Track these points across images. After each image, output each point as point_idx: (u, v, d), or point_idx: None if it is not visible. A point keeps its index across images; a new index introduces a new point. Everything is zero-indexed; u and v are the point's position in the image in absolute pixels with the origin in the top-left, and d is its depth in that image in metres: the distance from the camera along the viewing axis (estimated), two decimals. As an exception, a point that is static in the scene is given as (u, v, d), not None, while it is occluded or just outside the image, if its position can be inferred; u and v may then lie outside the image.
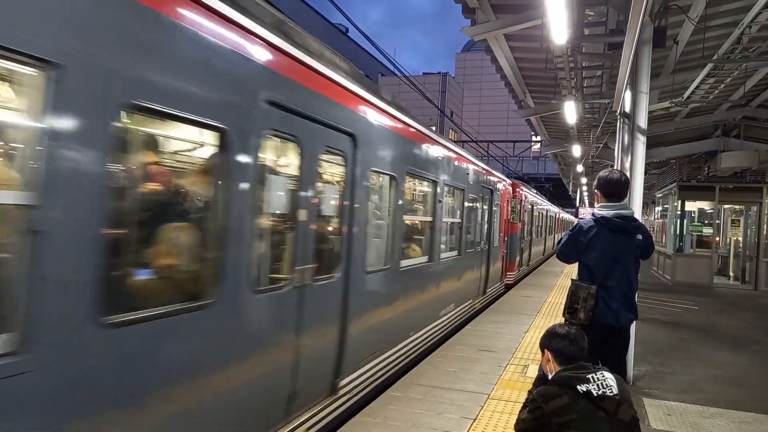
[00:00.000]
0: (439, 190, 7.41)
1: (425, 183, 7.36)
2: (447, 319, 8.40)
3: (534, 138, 29.79)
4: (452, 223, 8.77)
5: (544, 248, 25.38)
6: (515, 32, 9.52)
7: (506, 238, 13.83)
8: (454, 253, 8.69)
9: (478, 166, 10.18)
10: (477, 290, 10.63)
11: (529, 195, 18.42)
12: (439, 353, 7.14)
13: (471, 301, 10.11)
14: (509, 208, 14.34)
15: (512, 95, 14.60)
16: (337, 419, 4.66)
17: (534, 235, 20.26)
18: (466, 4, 8.73)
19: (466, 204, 9.13)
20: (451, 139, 9.65)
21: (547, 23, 6.69)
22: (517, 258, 15.57)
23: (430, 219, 7.31)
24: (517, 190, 15.45)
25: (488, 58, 11.63)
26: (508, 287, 14.19)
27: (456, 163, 8.44)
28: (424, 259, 7.15)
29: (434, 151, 7.26)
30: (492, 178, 11.75)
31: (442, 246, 7.95)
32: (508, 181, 14.57)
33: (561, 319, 4.17)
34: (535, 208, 19.96)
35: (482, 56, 15.16)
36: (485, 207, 11.10)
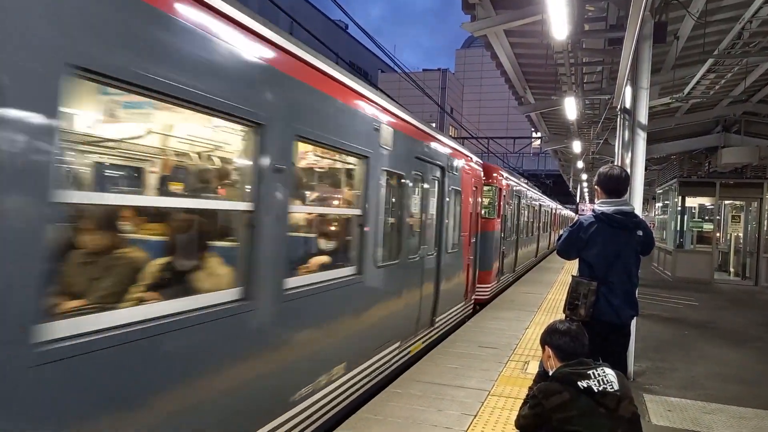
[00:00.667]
0: (277, 149, 3.60)
1: (229, 129, 3.61)
2: (317, 399, 4.34)
3: (534, 134, 29.81)
4: (337, 218, 5.36)
5: (537, 249, 21.51)
6: (515, 28, 9.49)
7: (474, 240, 9.99)
8: (345, 271, 4.84)
9: (408, 124, 6.20)
10: (414, 323, 6.77)
11: (515, 183, 14.88)
12: (439, 350, 7.14)
13: (398, 345, 6.20)
14: (480, 199, 10.64)
15: (512, 91, 14.58)
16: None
17: (523, 233, 16.74)
18: (466, 0, 8.70)
19: (374, 185, 5.25)
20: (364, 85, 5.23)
21: (547, 19, 6.67)
22: (496, 264, 12.04)
23: (247, 208, 3.42)
24: (495, 175, 12.17)
25: (488, 54, 11.61)
26: (483, 304, 10.86)
27: (345, 106, 4.73)
28: (226, 295, 3.27)
29: (259, 64, 3.43)
30: (444, 152, 7.71)
31: (309, 261, 4.66)
32: (478, 161, 10.43)
33: (562, 316, 4.16)
34: (523, 200, 16.50)
35: (482, 53, 15.03)
36: (431, 194, 7.25)
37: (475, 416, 4.84)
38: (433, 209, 7.40)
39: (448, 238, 8.07)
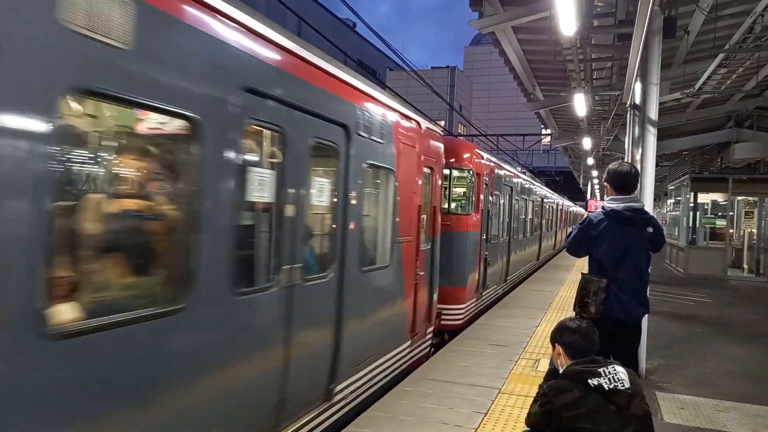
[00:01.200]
0: None
1: None
2: None
3: (544, 131, 29.63)
4: None
5: (539, 251, 18.24)
6: (523, 24, 9.46)
7: (429, 246, 6.85)
8: None
9: (215, 13, 3.02)
10: (266, 415, 3.66)
11: (504, 171, 11.70)
12: (450, 348, 7.13)
13: None
14: (443, 188, 7.79)
15: (521, 88, 14.53)
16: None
17: (518, 233, 13.65)
18: (474, -3, 8.70)
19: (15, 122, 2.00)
20: None
21: (555, 15, 6.63)
22: (474, 276, 9.18)
23: None
24: (470, 156, 9.03)
25: (497, 51, 11.58)
26: (454, 331, 8.24)
27: None
28: None
29: None
30: (350, 101, 4.72)
31: None
32: (435, 130, 7.06)
33: (572, 313, 4.15)
34: (519, 193, 13.46)
35: (491, 49, 14.86)
36: (315, 172, 4.36)
37: (486, 414, 4.84)
38: (322, 198, 4.37)
39: (363, 247, 5.01)
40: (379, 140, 5.18)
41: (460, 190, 8.96)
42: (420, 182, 6.39)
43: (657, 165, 7.79)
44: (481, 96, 68.83)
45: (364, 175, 4.90)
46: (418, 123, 6.36)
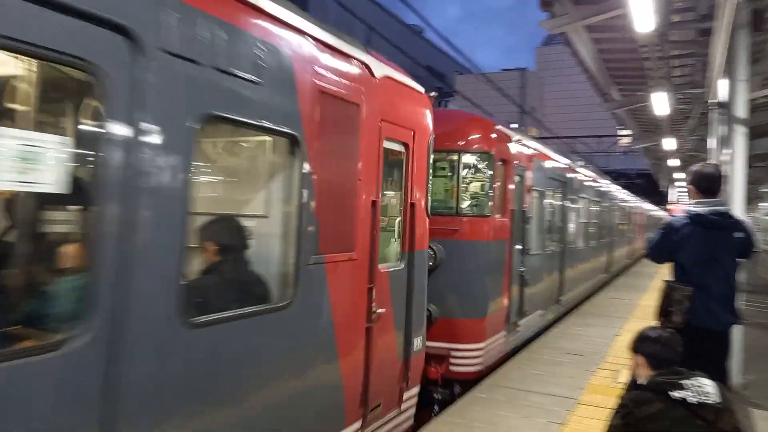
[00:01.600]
0: None
1: None
2: None
3: (620, 132, 28.42)
4: None
5: (608, 262, 15.47)
6: (596, 23, 9.17)
7: (405, 266, 4.38)
8: None
9: None
10: None
11: (550, 161, 9.22)
12: (524, 356, 7.02)
13: None
14: (423, 175, 4.64)
15: (595, 89, 14.07)
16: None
17: (575, 242, 11.05)
18: (543, -2, 8.54)
19: None
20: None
21: (630, 12, 6.40)
22: (501, 302, 6.72)
23: None
24: (491, 134, 6.60)
25: (569, 50, 11.29)
26: (468, 382, 6.01)
27: None
28: None
29: None
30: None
31: None
32: (389, 76, 4.13)
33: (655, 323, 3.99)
34: (573, 190, 10.74)
35: (563, 49, 14.37)
36: (37, 123, 2.44)
37: (563, 424, 4.73)
38: (43, 175, 1.97)
39: (194, 276, 2.92)
40: (249, 75, 2.79)
41: (476, 183, 6.43)
42: (377, 163, 3.96)
43: (749, 166, 7.29)
44: (555, 97, 67.15)
45: (193, 138, 2.50)
46: (366, 66, 3.85)
